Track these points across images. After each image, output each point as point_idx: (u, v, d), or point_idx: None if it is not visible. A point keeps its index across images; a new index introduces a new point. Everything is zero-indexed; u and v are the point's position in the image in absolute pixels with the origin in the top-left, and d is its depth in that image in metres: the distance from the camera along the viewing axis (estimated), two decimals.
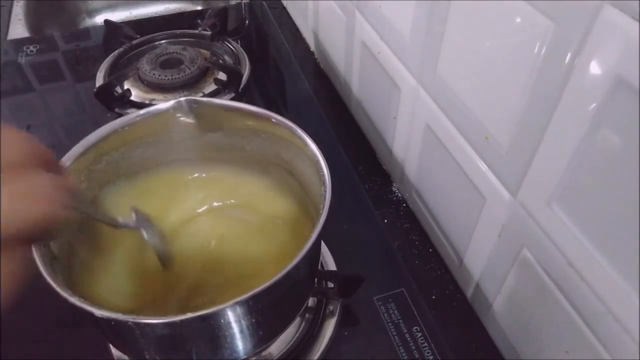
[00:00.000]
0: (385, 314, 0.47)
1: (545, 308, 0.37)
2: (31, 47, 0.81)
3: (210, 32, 0.80)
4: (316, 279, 0.45)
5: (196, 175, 0.47)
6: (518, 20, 0.33)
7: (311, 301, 0.46)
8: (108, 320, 0.30)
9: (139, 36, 0.80)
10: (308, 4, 0.78)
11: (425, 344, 0.44)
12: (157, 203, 0.45)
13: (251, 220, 0.44)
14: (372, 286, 0.48)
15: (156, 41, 0.80)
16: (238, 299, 0.29)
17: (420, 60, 0.47)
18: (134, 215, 0.37)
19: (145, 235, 0.37)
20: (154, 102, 0.68)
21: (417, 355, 0.44)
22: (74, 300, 0.29)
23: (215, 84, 0.72)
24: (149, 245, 0.38)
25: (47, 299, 0.28)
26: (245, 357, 0.36)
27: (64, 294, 0.29)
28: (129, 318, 0.29)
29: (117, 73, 0.73)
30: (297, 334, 0.44)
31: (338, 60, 0.71)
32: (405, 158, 0.56)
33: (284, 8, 0.94)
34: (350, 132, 0.68)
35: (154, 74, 0.71)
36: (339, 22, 0.65)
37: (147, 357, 0.34)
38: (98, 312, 0.28)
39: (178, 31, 0.82)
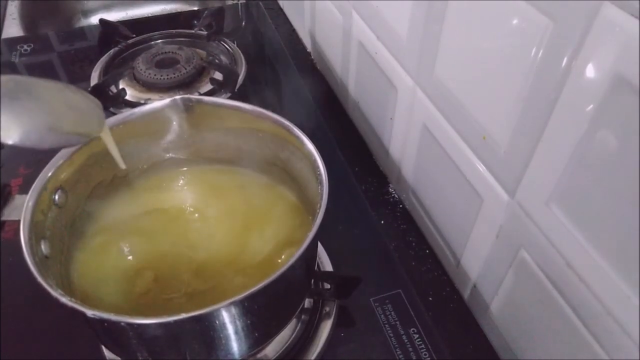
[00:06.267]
0: (382, 316, 0.46)
1: (543, 309, 0.37)
2: (25, 47, 0.80)
3: (206, 32, 0.80)
4: (312, 280, 0.45)
5: (192, 174, 0.47)
6: (516, 19, 0.33)
7: (307, 302, 0.46)
8: (100, 321, 0.30)
9: (134, 35, 0.80)
10: (305, 4, 0.78)
11: (422, 346, 0.44)
12: (152, 201, 0.45)
13: (247, 219, 0.44)
14: (368, 287, 0.48)
15: (152, 41, 0.80)
16: (233, 300, 0.29)
17: (418, 60, 0.46)
18: None
19: None
20: (149, 102, 0.68)
21: (414, 357, 0.43)
22: (65, 300, 0.28)
23: (211, 83, 0.72)
24: None
25: (39, 299, 0.28)
26: (240, 358, 0.36)
27: (55, 294, 0.29)
28: (122, 318, 0.28)
29: (112, 72, 0.73)
30: (293, 336, 0.44)
31: (335, 61, 0.71)
32: (402, 159, 0.56)
33: (281, 9, 0.94)
34: (347, 133, 0.68)
35: (149, 74, 0.70)
36: (336, 23, 0.65)
37: (140, 358, 0.34)
38: (90, 313, 0.28)
39: (174, 31, 0.82)
